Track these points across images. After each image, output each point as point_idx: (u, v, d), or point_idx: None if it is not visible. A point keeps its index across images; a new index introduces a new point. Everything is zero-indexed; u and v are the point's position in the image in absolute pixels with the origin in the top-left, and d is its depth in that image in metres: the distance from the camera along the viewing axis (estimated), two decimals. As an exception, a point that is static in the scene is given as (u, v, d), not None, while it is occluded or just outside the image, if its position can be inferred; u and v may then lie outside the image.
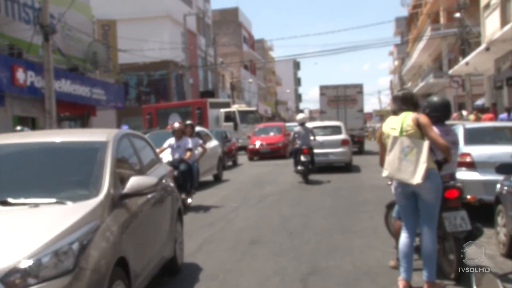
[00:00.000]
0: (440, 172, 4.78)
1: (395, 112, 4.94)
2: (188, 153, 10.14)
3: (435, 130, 4.75)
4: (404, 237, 4.86)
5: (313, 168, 14.25)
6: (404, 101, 4.88)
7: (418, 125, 4.68)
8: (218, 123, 29.00)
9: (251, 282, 5.36)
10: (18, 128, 17.58)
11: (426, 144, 4.62)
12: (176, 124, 10.46)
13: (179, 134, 10.27)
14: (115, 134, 4.77)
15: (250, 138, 23.85)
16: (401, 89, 5.17)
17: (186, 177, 9.97)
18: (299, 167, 13.89)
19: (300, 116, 15.33)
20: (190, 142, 10.31)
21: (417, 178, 4.57)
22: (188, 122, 11.23)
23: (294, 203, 10.50)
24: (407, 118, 4.74)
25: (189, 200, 10.16)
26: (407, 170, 4.62)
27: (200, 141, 11.16)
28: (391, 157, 4.71)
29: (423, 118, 4.73)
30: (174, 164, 9.77)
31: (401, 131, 4.72)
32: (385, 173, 4.79)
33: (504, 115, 16.27)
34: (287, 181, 14.36)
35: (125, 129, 10.60)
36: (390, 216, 5.89)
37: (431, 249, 4.70)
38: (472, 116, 17.14)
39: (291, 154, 17.00)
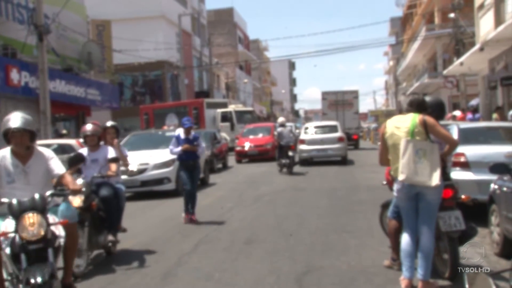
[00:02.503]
0: None
1: (401, 112, 5.04)
2: (113, 167, 6.50)
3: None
4: (406, 236, 4.90)
5: (296, 161, 17.07)
6: (410, 105, 4.99)
7: (424, 126, 4.76)
8: (215, 123, 28.96)
9: (247, 282, 5.37)
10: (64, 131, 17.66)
11: (436, 147, 4.74)
12: (89, 126, 6.69)
13: (94, 142, 6.62)
14: None
15: (238, 139, 23.22)
16: (413, 94, 5.29)
17: (111, 207, 6.50)
18: (284, 161, 16.12)
19: (280, 119, 17.63)
20: (111, 151, 6.64)
21: (434, 180, 4.67)
22: (109, 123, 7.57)
23: (289, 203, 10.51)
24: (415, 120, 4.81)
25: (111, 238, 6.64)
26: (424, 172, 4.68)
27: (126, 152, 7.59)
28: (405, 161, 4.73)
29: (430, 119, 4.84)
30: (92, 188, 6.35)
31: (412, 134, 4.78)
32: (401, 176, 4.76)
33: (470, 116, 17.67)
34: (282, 181, 14.38)
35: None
36: (385, 215, 5.91)
37: (429, 248, 4.76)
38: (495, 115, 17.25)
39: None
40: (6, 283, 4.21)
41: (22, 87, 17.43)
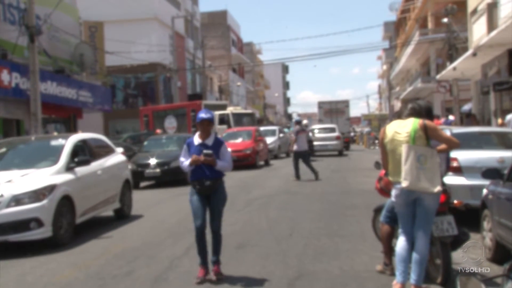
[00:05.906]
0: None
1: (400, 116, 5.00)
2: None
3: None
4: (402, 241, 4.87)
5: (312, 152, 22.83)
6: (413, 110, 4.96)
7: (425, 130, 4.73)
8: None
9: (238, 286, 5.31)
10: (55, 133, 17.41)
11: (436, 152, 4.73)
12: None
13: None
14: None
15: None
16: (413, 100, 5.29)
17: None
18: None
19: (305, 121, 24.99)
20: None
21: (436, 187, 4.66)
22: None
23: (282, 207, 10.45)
24: (416, 125, 4.77)
25: None
26: (426, 179, 4.66)
27: None
28: (408, 167, 4.68)
29: (430, 122, 4.82)
30: None
31: (413, 139, 4.73)
32: (405, 183, 4.70)
33: (443, 120, 19.78)
34: (274, 185, 14.33)
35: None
36: (378, 220, 5.88)
37: (424, 253, 4.74)
38: (499, 120, 17.40)
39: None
40: None
41: (13, 88, 17.28)
